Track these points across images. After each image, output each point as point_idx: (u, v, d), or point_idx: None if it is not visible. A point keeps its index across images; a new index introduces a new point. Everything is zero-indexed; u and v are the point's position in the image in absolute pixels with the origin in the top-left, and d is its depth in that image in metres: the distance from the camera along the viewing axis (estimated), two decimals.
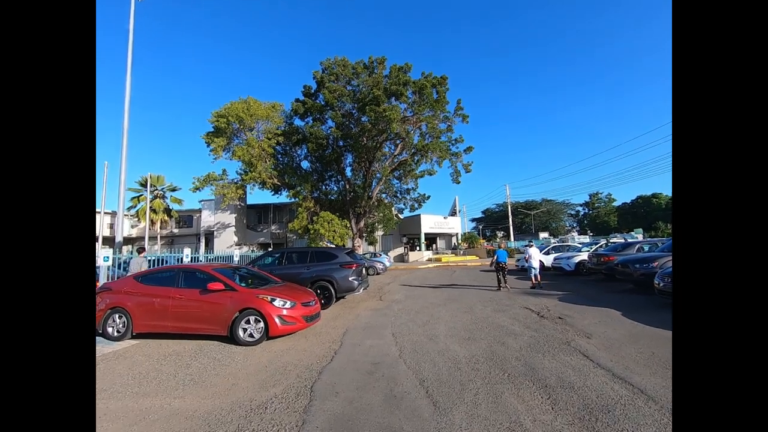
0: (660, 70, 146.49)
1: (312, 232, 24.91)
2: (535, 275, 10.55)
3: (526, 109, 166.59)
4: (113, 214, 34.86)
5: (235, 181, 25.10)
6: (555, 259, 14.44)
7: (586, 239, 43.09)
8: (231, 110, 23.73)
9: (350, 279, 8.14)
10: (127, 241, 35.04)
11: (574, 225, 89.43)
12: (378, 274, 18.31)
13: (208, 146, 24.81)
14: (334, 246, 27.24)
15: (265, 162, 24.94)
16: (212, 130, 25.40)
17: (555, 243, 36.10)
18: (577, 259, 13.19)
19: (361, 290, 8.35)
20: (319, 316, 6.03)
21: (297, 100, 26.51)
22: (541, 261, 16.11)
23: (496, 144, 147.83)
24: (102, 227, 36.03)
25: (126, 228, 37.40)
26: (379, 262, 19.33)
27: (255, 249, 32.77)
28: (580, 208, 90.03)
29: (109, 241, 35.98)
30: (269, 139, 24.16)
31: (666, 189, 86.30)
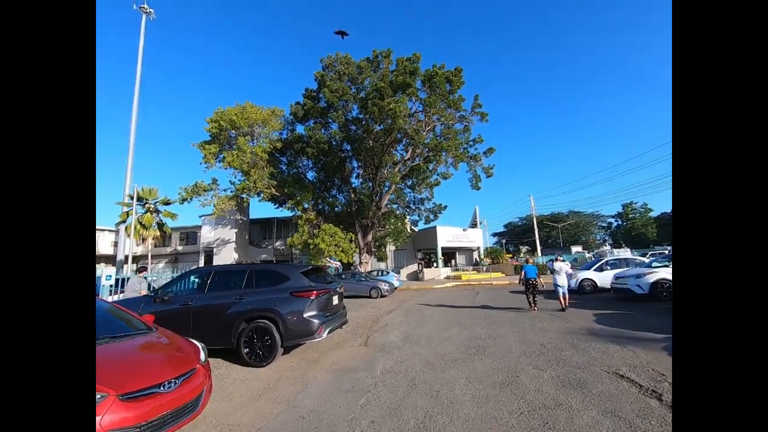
0: None
1: (312, 247, 22.04)
2: (564, 294, 8.96)
3: (549, 114, 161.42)
4: (117, 231, 33.55)
5: (228, 191, 22.85)
6: (617, 277, 10.64)
7: (627, 253, 37.92)
8: (224, 115, 21.72)
9: (306, 316, 4.95)
10: (132, 259, 33.45)
11: (606, 238, 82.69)
12: (383, 296, 14.97)
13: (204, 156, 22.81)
14: (338, 262, 24.22)
15: (262, 170, 22.56)
16: (209, 138, 23.56)
17: (610, 257, 31.61)
18: (652, 278, 9.41)
19: (326, 333, 5.10)
20: (192, 409, 2.85)
21: (297, 103, 24.35)
22: (592, 280, 12.52)
23: (516, 154, 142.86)
24: (101, 245, 34.88)
25: (129, 246, 36.07)
26: (384, 281, 15.99)
27: None
28: (612, 220, 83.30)
29: (112, 259, 34.66)
30: (262, 144, 21.79)
31: None
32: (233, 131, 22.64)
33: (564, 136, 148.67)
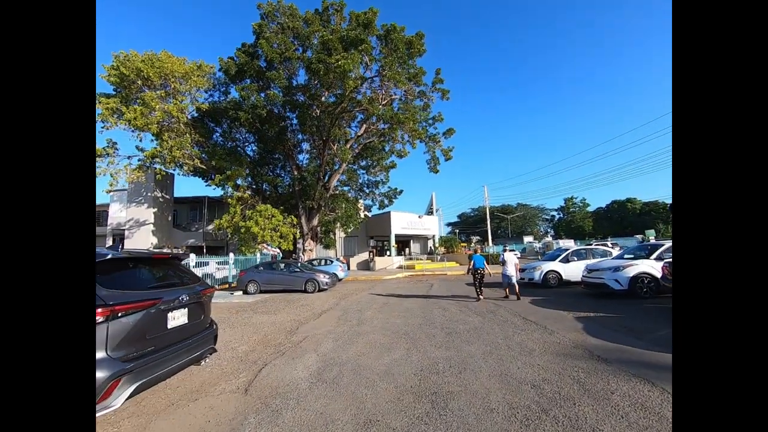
0: (637, 69, 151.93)
1: (243, 231, 18.59)
2: (510, 284, 9.01)
3: (502, 108, 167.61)
4: None
5: (133, 158, 18.26)
6: (589, 270, 9.20)
7: (570, 243, 39.49)
8: (127, 62, 17.02)
9: None
10: None
11: (548, 229, 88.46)
12: (321, 290, 12.41)
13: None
14: (277, 250, 21.01)
15: (181, 136, 18.36)
16: (112, 92, 18.65)
17: (556, 247, 31.68)
18: (632, 272, 8.01)
19: (124, 398, 2.42)
20: None
21: (230, 58, 20.19)
22: (557, 272, 11.20)
23: (471, 144, 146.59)
24: None
25: None
26: (324, 272, 13.39)
27: (192, 254, 25.49)
28: (555, 213, 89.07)
29: None
30: (180, 102, 17.58)
31: (639, 194, 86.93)
32: (145, 86, 18.01)
33: (516, 126, 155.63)
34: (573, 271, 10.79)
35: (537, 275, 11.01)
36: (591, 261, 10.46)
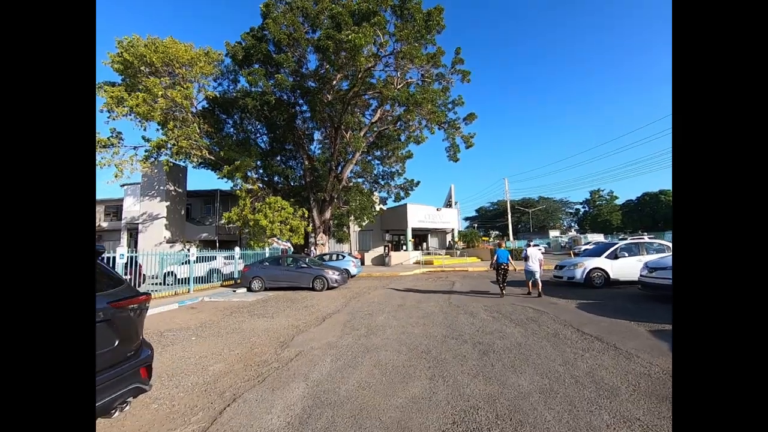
0: (663, 61, 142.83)
1: (252, 224, 17.74)
2: (534, 281, 8.49)
3: (523, 103, 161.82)
4: None
5: (139, 149, 17.64)
6: (651, 268, 7.50)
7: (600, 237, 36.88)
8: (130, 47, 16.31)
9: None
10: None
11: (573, 224, 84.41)
12: (330, 288, 11.25)
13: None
14: (288, 244, 20.03)
15: (188, 125, 17.59)
16: (120, 80, 18.11)
17: (584, 242, 29.45)
18: None
19: None
20: None
21: (237, 43, 19.22)
22: (603, 270, 9.56)
23: (491, 135, 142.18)
24: None
25: None
26: (334, 268, 12.21)
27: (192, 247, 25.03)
28: (579, 207, 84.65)
29: None
30: (185, 89, 16.73)
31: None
32: (151, 74, 17.29)
33: (539, 117, 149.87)
34: (623, 269, 9.13)
35: (579, 273, 9.41)
36: (647, 257, 8.77)
